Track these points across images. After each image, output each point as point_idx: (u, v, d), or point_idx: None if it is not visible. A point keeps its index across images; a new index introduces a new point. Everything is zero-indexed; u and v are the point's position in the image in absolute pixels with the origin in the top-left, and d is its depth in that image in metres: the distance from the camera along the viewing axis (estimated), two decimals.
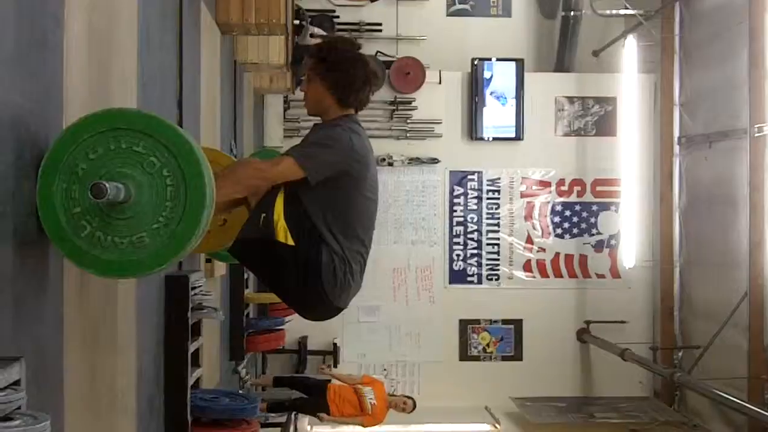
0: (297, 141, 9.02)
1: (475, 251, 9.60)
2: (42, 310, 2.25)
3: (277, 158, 3.16)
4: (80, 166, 2.17)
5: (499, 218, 9.63)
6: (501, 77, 9.52)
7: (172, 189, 2.21)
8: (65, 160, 2.17)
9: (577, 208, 9.69)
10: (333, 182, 2.98)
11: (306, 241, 2.88)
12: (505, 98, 9.51)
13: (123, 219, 2.18)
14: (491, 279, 9.61)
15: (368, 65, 3.27)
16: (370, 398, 7.13)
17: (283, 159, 2.99)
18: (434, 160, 9.48)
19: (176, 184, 2.21)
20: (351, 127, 3.09)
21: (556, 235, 9.66)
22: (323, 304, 3.00)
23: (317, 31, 8.11)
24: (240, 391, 6.35)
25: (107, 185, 2.06)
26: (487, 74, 9.50)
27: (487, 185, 9.62)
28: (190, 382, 4.00)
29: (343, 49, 3.22)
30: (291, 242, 2.85)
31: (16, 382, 1.87)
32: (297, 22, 7.98)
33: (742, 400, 6.78)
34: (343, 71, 3.16)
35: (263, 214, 2.87)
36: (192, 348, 4.02)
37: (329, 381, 7.49)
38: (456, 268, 9.59)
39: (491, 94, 9.51)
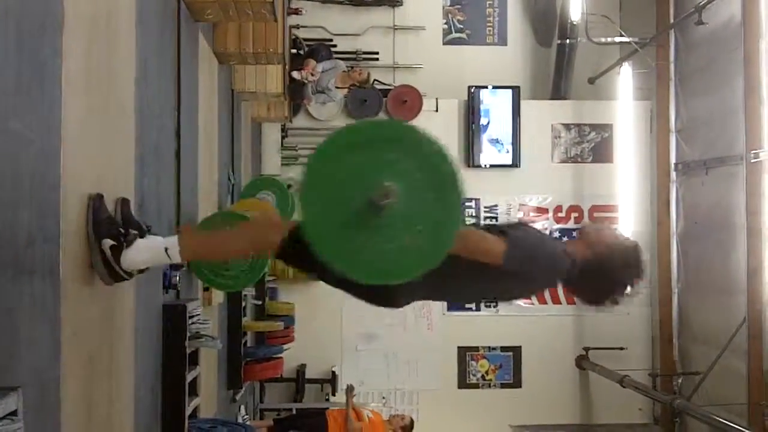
0: (295, 169, 9.19)
1: None
2: (40, 339, 2.25)
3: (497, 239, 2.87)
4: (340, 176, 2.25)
5: None
6: (497, 124, 9.52)
7: (428, 189, 2.26)
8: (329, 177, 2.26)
9: (575, 234, 9.66)
10: None
11: None
12: (502, 144, 9.55)
13: (387, 226, 2.25)
14: (489, 306, 9.58)
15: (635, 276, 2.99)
16: (367, 412, 7.14)
17: (500, 242, 2.81)
18: None
19: (431, 185, 2.25)
20: None
21: None
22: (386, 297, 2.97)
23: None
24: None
25: (392, 186, 2.16)
26: (483, 121, 9.52)
27: (485, 212, 9.63)
28: (188, 411, 3.98)
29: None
30: None
31: (13, 412, 1.86)
32: (294, 51, 8.04)
33: (742, 427, 6.73)
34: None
35: None
36: (190, 377, 4.01)
37: (327, 409, 7.43)
38: None
39: (489, 140, 9.53)
